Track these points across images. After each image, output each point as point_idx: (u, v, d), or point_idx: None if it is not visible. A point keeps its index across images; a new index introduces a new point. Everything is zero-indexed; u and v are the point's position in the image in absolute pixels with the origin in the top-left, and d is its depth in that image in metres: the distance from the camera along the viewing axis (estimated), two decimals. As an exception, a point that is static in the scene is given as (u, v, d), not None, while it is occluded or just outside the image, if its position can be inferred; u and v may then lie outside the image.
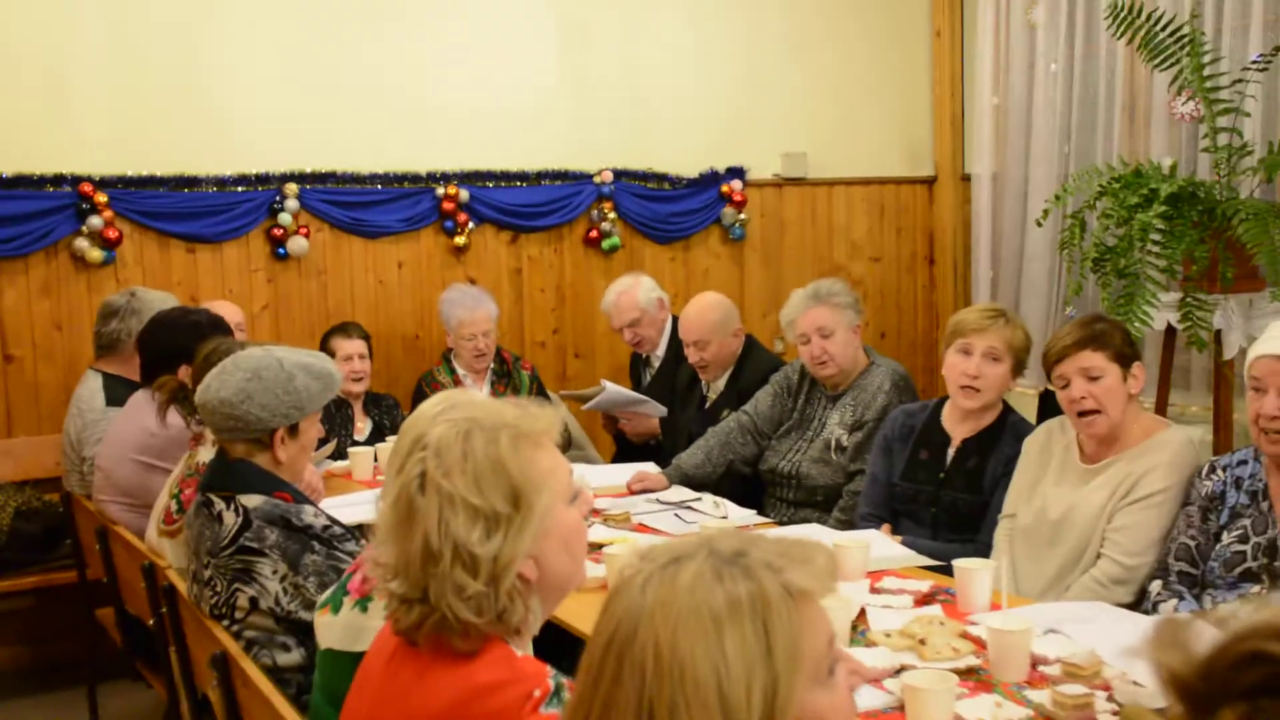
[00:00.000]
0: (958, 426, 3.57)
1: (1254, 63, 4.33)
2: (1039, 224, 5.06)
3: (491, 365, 5.08)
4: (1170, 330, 4.39)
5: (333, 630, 2.14)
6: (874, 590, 2.93)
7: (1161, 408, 4.49)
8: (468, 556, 1.59)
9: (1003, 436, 3.50)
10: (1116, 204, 4.23)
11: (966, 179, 5.97)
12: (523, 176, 5.49)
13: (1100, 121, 5.29)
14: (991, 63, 5.69)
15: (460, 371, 5.04)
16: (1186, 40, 4.27)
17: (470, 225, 5.41)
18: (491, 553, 1.60)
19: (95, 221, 4.82)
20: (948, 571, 2.97)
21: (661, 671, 1.19)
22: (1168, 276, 4.13)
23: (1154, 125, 5.02)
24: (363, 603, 2.10)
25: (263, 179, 5.08)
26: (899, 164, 6.12)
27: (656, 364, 5.11)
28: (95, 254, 4.85)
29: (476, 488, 1.61)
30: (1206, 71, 4.24)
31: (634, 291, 5.06)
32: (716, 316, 4.60)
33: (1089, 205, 4.43)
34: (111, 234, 4.85)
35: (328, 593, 2.23)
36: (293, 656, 2.56)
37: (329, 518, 2.69)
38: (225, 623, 2.59)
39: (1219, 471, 2.94)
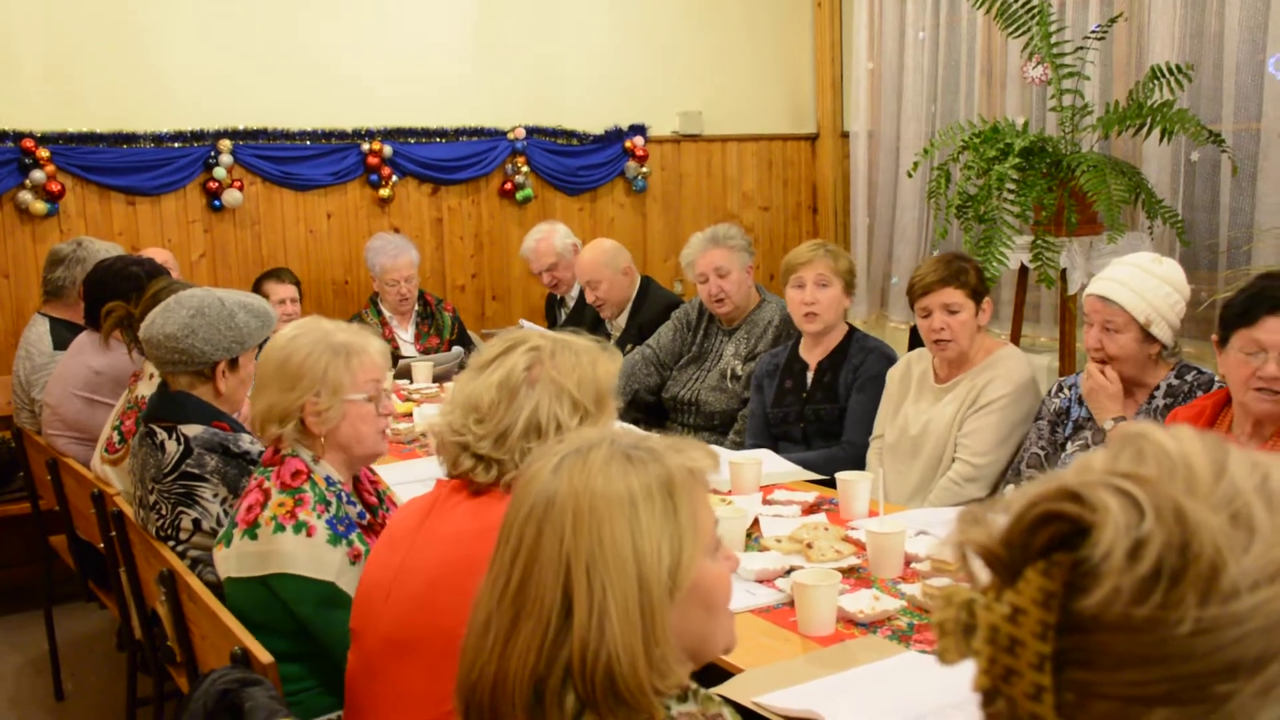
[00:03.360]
0: (812, 353, 3.67)
1: (1093, 32, 4.38)
2: (909, 175, 5.10)
3: (416, 308, 5.03)
4: (1023, 269, 4.46)
5: (229, 561, 2.18)
6: (766, 502, 2.96)
7: (1015, 338, 4.58)
8: (564, 434, 1.77)
9: (849, 350, 3.61)
10: (977, 157, 4.27)
11: (845, 136, 5.98)
12: (442, 133, 5.39)
13: (962, 84, 5.32)
14: (867, 30, 5.68)
15: (386, 314, 4.97)
16: (1036, 11, 4.30)
17: (394, 179, 5.31)
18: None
19: (38, 175, 4.65)
20: (831, 484, 3.02)
21: (580, 531, 1.22)
22: (1021, 221, 4.19)
23: (1009, 87, 5.06)
24: (250, 530, 2.14)
25: (198, 135, 4.93)
26: (785, 122, 6.11)
27: (571, 304, 5.09)
28: (39, 206, 4.68)
29: (579, 385, 1.82)
30: (1053, 40, 4.29)
31: (551, 238, 5.04)
32: (604, 258, 4.62)
33: (953, 159, 4.47)
34: (54, 187, 4.68)
35: (221, 532, 2.24)
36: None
37: (263, 445, 2.65)
38: (170, 543, 2.54)
39: (1065, 390, 3.03)
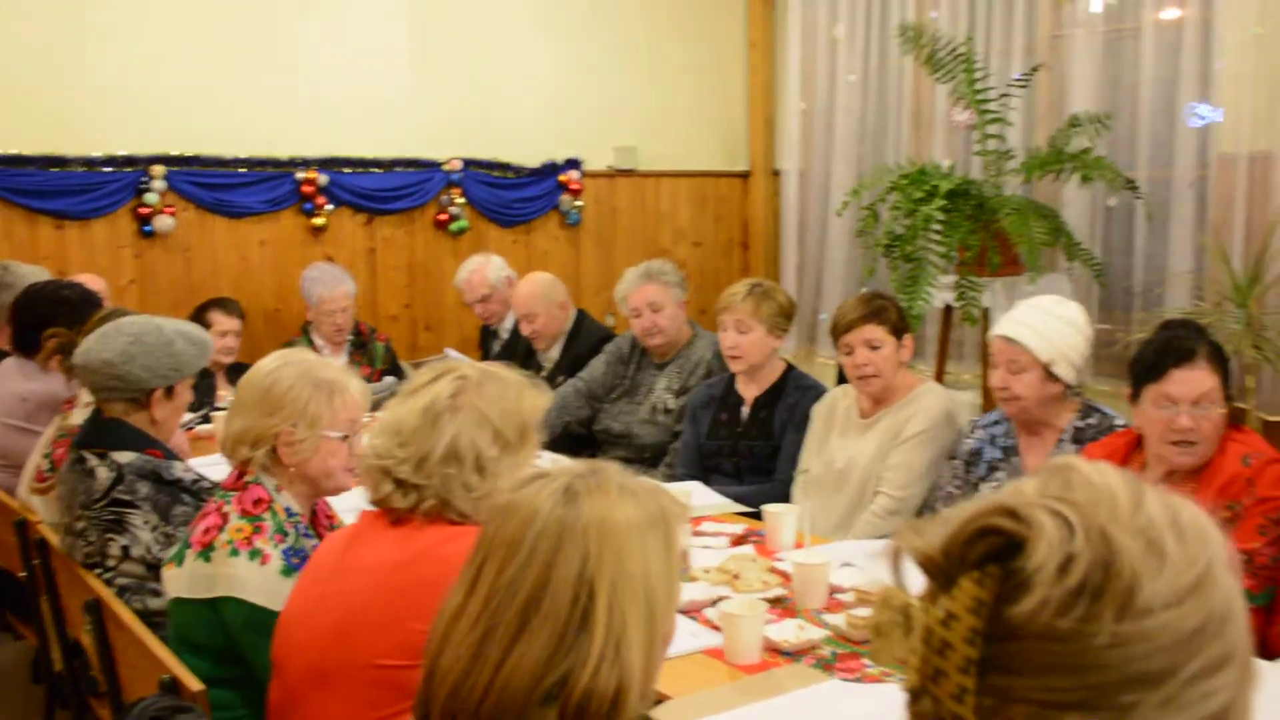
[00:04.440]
0: (748, 388, 3.72)
1: (1016, 80, 4.54)
2: (838, 214, 5.23)
3: (349, 337, 5.03)
4: (948, 308, 4.59)
5: (179, 580, 2.18)
6: (695, 534, 3.01)
7: (940, 375, 4.70)
8: (483, 464, 1.82)
9: (786, 389, 3.67)
10: (904, 198, 4.40)
11: (777, 174, 6.10)
12: (378, 163, 5.41)
13: (891, 126, 5.47)
14: (799, 72, 5.82)
15: (319, 343, 4.96)
16: (962, 59, 4.45)
17: (329, 207, 5.32)
18: (497, 466, 1.84)
19: (-38, 198, 4.59)
20: (759, 516, 3.08)
21: (605, 554, 1.29)
22: (946, 261, 4.32)
23: (936, 131, 5.21)
24: (205, 553, 2.15)
25: (130, 160, 4.89)
26: (718, 159, 6.22)
27: (505, 335, 5.12)
28: (-37, 229, 4.62)
29: (502, 416, 1.84)
30: (978, 86, 4.44)
31: (485, 270, 5.07)
32: (542, 291, 4.67)
33: (881, 199, 4.59)
34: (-21, 210, 4.63)
35: (173, 549, 2.24)
36: (162, 601, 2.51)
37: (197, 473, 2.65)
38: (98, 571, 2.53)
39: (978, 430, 3.12)
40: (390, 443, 1.84)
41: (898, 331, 3.30)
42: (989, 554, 0.78)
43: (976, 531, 0.78)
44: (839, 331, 3.31)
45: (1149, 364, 2.55)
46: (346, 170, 5.33)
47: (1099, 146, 4.47)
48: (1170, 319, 2.76)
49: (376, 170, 5.41)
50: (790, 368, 3.78)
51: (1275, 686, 2.13)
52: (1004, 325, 2.96)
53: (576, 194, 5.80)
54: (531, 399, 1.92)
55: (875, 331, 3.26)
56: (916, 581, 0.83)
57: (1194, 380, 2.49)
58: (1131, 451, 2.71)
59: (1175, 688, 0.75)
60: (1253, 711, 0.83)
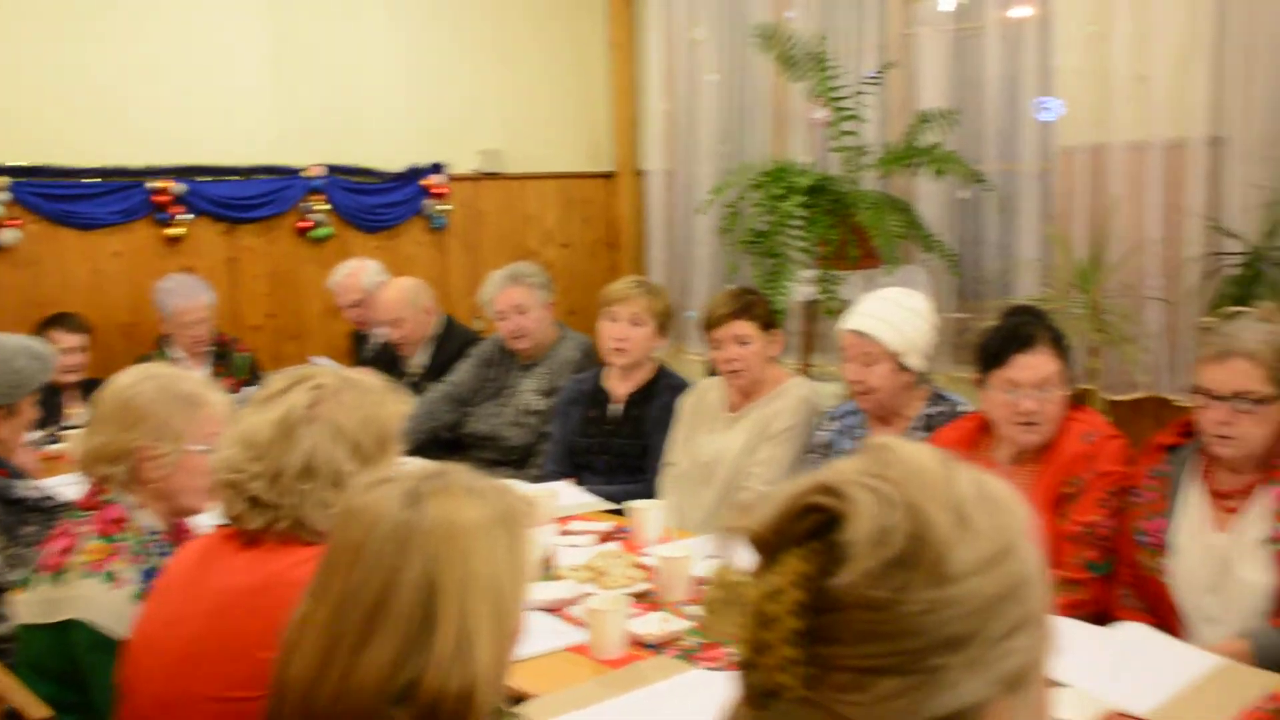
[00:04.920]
0: (619, 386, 3.75)
1: (869, 78, 4.67)
2: (701, 213, 5.31)
3: (210, 349, 4.92)
4: (811, 302, 4.69)
5: (29, 607, 2.11)
6: (563, 533, 3.04)
7: (805, 367, 4.81)
8: (339, 479, 1.74)
9: (657, 389, 3.71)
10: (765, 195, 4.48)
11: (642, 174, 6.15)
12: (236, 171, 5.31)
13: (752, 125, 5.56)
14: (661, 72, 5.88)
15: (177, 356, 4.85)
16: (816, 58, 4.56)
17: (187, 217, 5.19)
18: (355, 480, 1.74)
19: None
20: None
21: (450, 556, 1.30)
22: (806, 256, 4.42)
23: (795, 129, 5.32)
24: (56, 576, 2.09)
25: (-31, 173, 4.72)
26: (584, 160, 6.25)
27: (377, 341, 5.07)
28: None
29: (362, 426, 1.77)
30: (832, 84, 4.55)
31: (359, 274, 5.05)
32: (407, 297, 4.65)
33: (742, 197, 4.68)
34: None
35: (23, 574, 2.17)
36: (9, 626, 2.44)
37: (44, 491, 2.58)
38: (-61, 596, 2.44)
39: (833, 422, 3.21)
40: (242, 455, 1.77)
41: (767, 327, 3.37)
42: (811, 530, 0.83)
43: (799, 509, 0.83)
44: (709, 326, 3.37)
45: (994, 351, 2.66)
46: (204, 179, 5.22)
47: (950, 141, 4.62)
48: (1013, 305, 2.87)
49: (235, 178, 5.31)
50: (662, 367, 3.82)
51: (1114, 644, 2.25)
52: (853, 319, 3.04)
53: (441, 198, 5.77)
54: (392, 406, 1.87)
55: (744, 327, 3.32)
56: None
57: (1036, 365, 2.60)
58: (980, 434, 2.82)
59: (980, 649, 0.81)
60: (1049, 667, 0.90)
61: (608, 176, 6.31)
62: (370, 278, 5.02)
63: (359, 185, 5.59)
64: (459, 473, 1.38)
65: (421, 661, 1.25)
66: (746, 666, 0.84)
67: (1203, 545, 2.47)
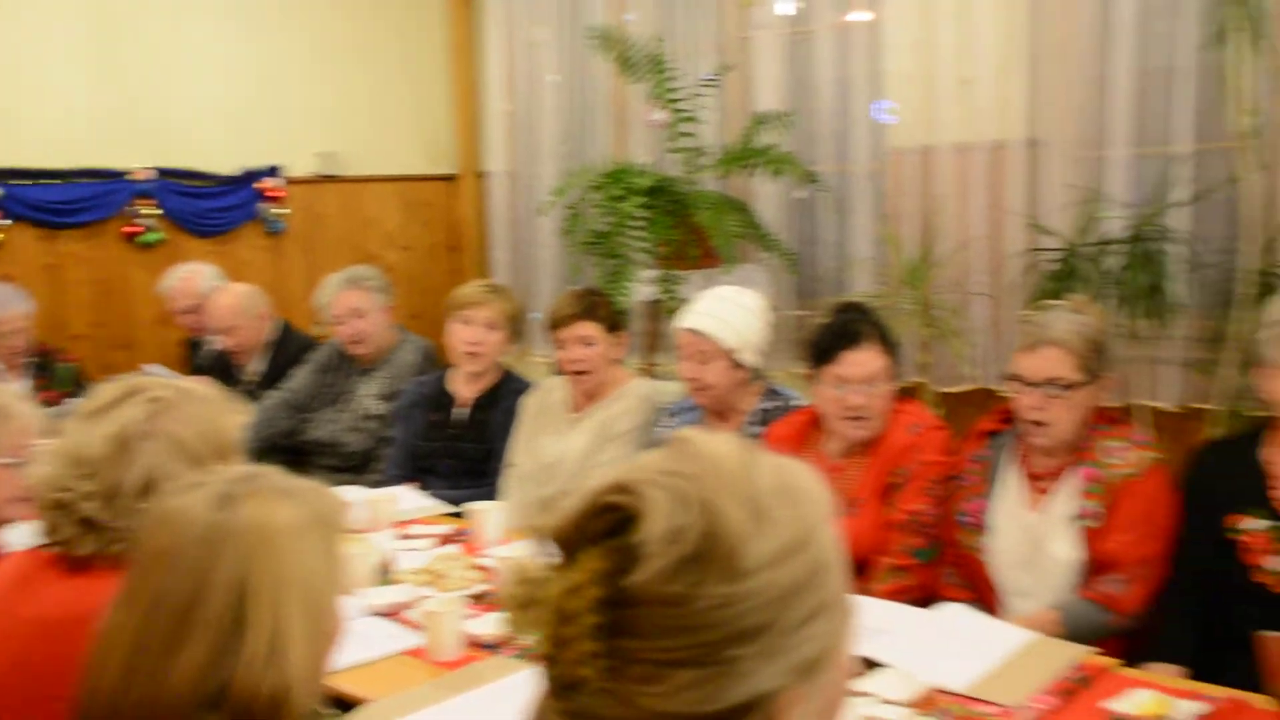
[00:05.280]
0: (464, 389, 3.74)
1: (706, 80, 4.75)
2: (542, 214, 5.32)
3: (31, 359, 4.72)
4: (653, 302, 4.75)
5: None
6: (402, 536, 3.02)
7: (648, 367, 4.87)
8: None
9: (503, 393, 3.71)
10: (605, 196, 4.52)
11: (484, 176, 6.13)
12: (58, 174, 5.10)
13: (593, 126, 5.60)
14: (501, 74, 5.87)
15: (-4, 367, 4.64)
16: (653, 61, 4.62)
17: (3, 222, 4.97)
18: None
19: None
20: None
21: (260, 558, 1.28)
22: (647, 256, 4.48)
23: (635, 130, 5.37)
24: None
25: None
26: (424, 162, 6.19)
27: (213, 348, 4.93)
28: None
29: (202, 438, 1.71)
30: (670, 86, 4.62)
31: (195, 279, 4.90)
32: (240, 303, 4.56)
33: (583, 198, 4.71)
34: None
35: None
36: None
37: None
38: None
39: (670, 419, 3.27)
40: (70, 473, 1.65)
41: (612, 328, 3.40)
42: (608, 528, 0.85)
43: (597, 507, 0.86)
44: (554, 326, 3.39)
45: (823, 348, 2.75)
46: (21, 181, 5.00)
47: (786, 142, 4.73)
48: (842, 303, 2.98)
49: (56, 181, 5.10)
50: (507, 371, 3.83)
51: (934, 624, 2.35)
52: (688, 318, 3.10)
53: (278, 201, 5.65)
54: (230, 417, 1.82)
55: (589, 328, 3.34)
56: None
57: (864, 361, 2.70)
58: (812, 428, 2.90)
59: (776, 638, 0.85)
60: (847, 649, 0.94)
61: (449, 179, 6.27)
62: (205, 283, 4.88)
63: (191, 189, 5.43)
64: (271, 475, 1.38)
65: (233, 664, 1.24)
66: (548, 660, 0.86)
67: (1017, 524, 2.61)
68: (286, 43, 5.67)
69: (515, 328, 3.73)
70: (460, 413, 3.71)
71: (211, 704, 1.24)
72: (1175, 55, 3.84)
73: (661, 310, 4.57)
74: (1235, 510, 2.44)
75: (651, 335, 4.94)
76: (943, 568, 2.72)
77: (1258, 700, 2.03)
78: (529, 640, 0.87)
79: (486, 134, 6.06)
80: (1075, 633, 2.40)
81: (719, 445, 0.90)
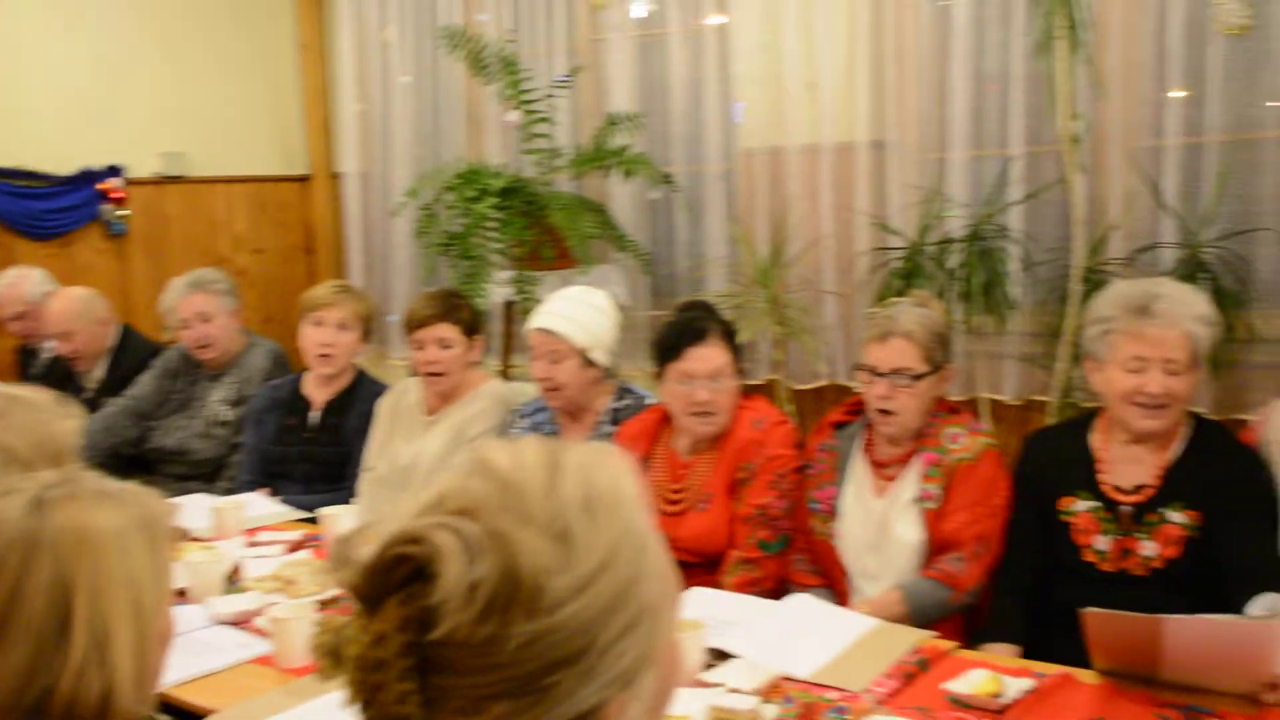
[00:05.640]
0: (318, 392, 3.70)
1: (559, 82, 4.77)
2: (395, 215, 5.28)
3: None
4: (509, 303, 4.75)
5: None
6: (251, 544, 2.97)
7: (505, 369, 4.86)
8: None
9: (358, 395, 3.68)
10: (458, 198, 4.51)
11: (338, 177, 6.04)
12: (-125, 174, 4.86)
13: (447, 127, 5.56)
14: (353, 74, 5.79)
15: None
16: (505, 61, 4.62)
17: None
18: None
19: None
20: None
21: (81, 562, 1.25)
22: (502, 258, 4.47)
23: (490, 131, 5.36)
24: None
25: None
26: (276, 163, 6.07)
27: (47, 355, 4.75)
28: None
29: (36, 446, 1.66)
30: (523, 87, 4.63)
31: (21, 285, 4.71)
32: (78, 308, 4.41)
33: (437, 199, 4.68)
34: None
35: None
36: None
37: None
38: None
39: (523, 420, 3.29)
40: None
41: (469, 330, 3.39)
42: (406, 577, 0.84)
43: (389, 561, 0.85)
44: (410, 328, 3.36)
45: (668, 345, 2.80)
46: None
47: (639, 143, 4.78)
48: (686, 301, 3.04)
49: (-123, 182, 4.85)
50: (361, 373, 3.79)
51: (781, 615, 2.41)
52: (539, 318, 3.13)
53: (119, 203, 5.47)
54: (64, 423, 1.79)
55: (447, 329, 3.34)
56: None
57: (708, 357, 2.76)
58: (662, 425, 2.95)
59: (592, 659, 0.85)
60: (673, 641, 0.95)
61: (302, 180, 6.16)
62: (35, 288, 4.70)
63: (25, 189, 5.21)
64: (88, 478, 1.35)
65: (56, 671, 1.22)
66: (365, 704, 0.85)
67: (864, 509, 2.71)
68: (129, 39, 5.49)
69: (368, 328, 3.70)
70: (314, 416, 3.67)
71: (34, 711, 1.22)
72: (1008, 62, 4.01)
73: (517, 311, 4.58)
74: (1066, 494, 2.57)
75: (507, 337, 4.94)
76: (793, 557, 2.80)
77: (1084, 674, 2.13)
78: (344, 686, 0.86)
79: (339, 134, 5.97)
80: (918, 610, 2.52)
81: (518, 463, 0.89)
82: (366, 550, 0.86)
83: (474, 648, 0.82)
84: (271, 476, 3.63)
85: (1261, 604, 1.98)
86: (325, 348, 3.59)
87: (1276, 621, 1.91)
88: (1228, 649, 1.95)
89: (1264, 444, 2.50)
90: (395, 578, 0.84)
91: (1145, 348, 2.44)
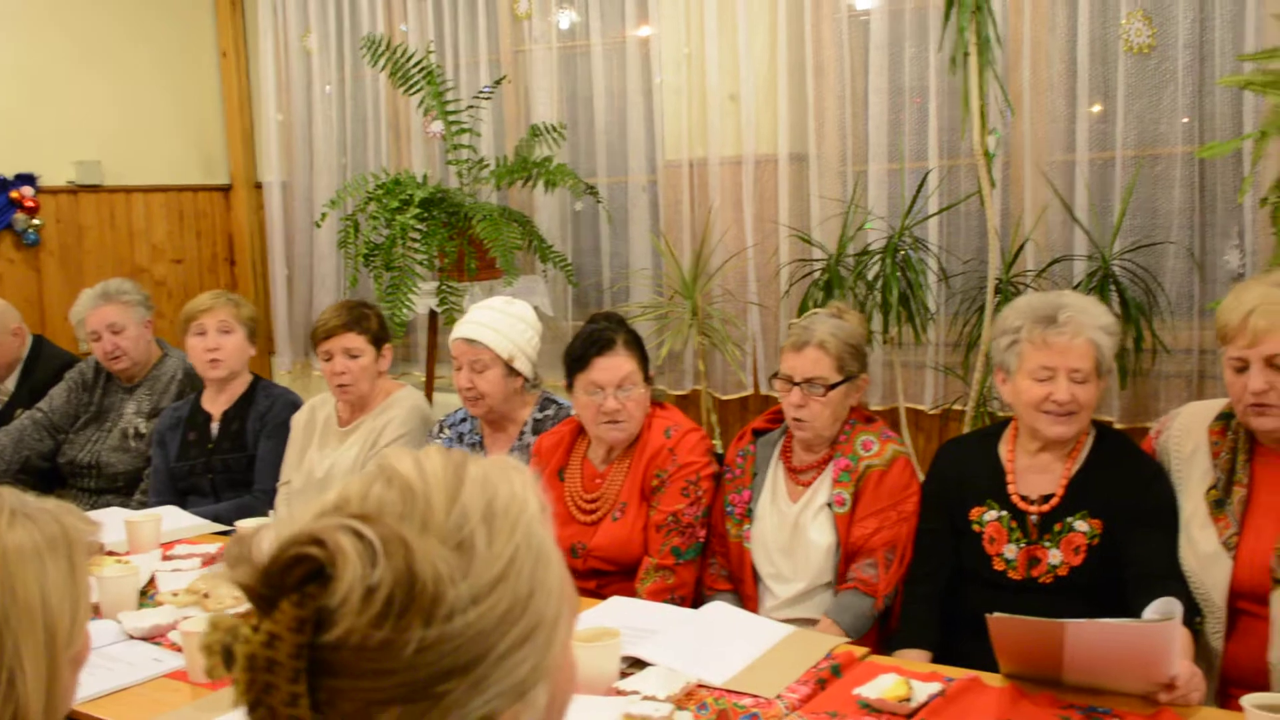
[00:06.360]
0: (215, 403, 3.71)
1: (481, 93, 4.79)
2: (317, 225, 5.26)
3: None
4: (434, 313, 4.75)
5: None
6: (165, 558, 2.95)
7: (430, 379, 4.86)
8: None
9: (255, 399, 3.70)
10: (381, 208, 4.51)
11: (259, 186, 6.00)
12: None
13: (370, 137, 5.55)
14: (274, 82, 5.75)
15: None
16: (426, 72, 4.63)
17: None
18: None
19: None
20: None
21: None
22: (426, 268, 4.48)
23: (414, 141, 5.36)
24: None
25: None
26: (196, 173, 6.01)
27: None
28: None
29: None
30: (445, 98, 4.64)
31: None
32: None
33: (360, 209, 4.67)
34: None
35: None
36: None
37: None
38: None
39: (446, 430, 3.31)
40: None
41: (377, 340, 3.41)
42: (303, 578, 0.84)
43: (287, 560, 0.84)
44: (318, 339, 3.38)
45: (576, 355, 2.84)
46: None
47: (564, 154, 4.81)
48: (596, 313, 3.09)
49: None
50: (257, 378, 3.81)
51: (698, 622, 2.45)
52: (462, 328, 3.15)
53: (32, 212, 5.38)
54: None
55: (355, 340, 3.35)
56: None
57: (615, 366, 2.81)
58: (578, 435, 2.98)
59: (485, 670, 0.86)
60: (568, 652, 0.96)
61: (224, 189, 6.10)
62: (-58, 299, 4.61)
63: (-68, 197, 5.12)
64: (4, 495, 1.33)
65: None
66: (253, 705, 0.84)
67: (778, 513, 2.78)
68: (44, 45, 5.41)
69: (252, 330, 3.72)
70: (215, 428, 3.68)
71: None
72: (925, 77, 4.11)
73: (442, 322, 4.58)
74: (976, 504, 2.63)
75: (432, 347, 4.94)
76: (709, 557, 2.86)
77: (991, 678, 2.20)
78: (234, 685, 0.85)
79: (261, 144, 5.93)
80: (851, 626, 2.60)
81: (423, 471, 0.90)
82: (263, 549, 0.85)
83: (368, 652, 0.83)
84: (181, 494, 3.62)
85: (1156, 608, 2.04)
86: (212, 353, 3.61)
87: (1170, 624, 1.98)
88: (1125, 651, 2.02)
89: (1162, 453, 2.58)
90: (292, 578, 0.84)
91: (1052, 357, 2.51)
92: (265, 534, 0.87)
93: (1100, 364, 2.53)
